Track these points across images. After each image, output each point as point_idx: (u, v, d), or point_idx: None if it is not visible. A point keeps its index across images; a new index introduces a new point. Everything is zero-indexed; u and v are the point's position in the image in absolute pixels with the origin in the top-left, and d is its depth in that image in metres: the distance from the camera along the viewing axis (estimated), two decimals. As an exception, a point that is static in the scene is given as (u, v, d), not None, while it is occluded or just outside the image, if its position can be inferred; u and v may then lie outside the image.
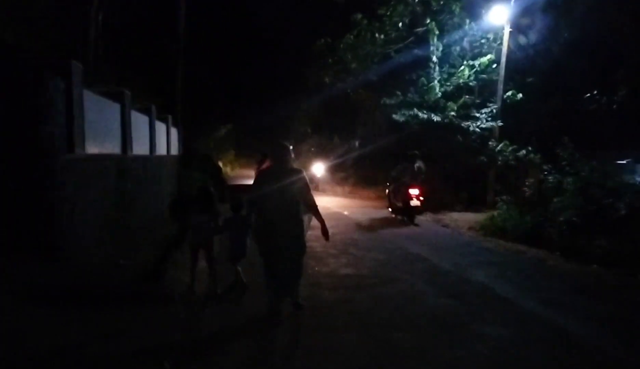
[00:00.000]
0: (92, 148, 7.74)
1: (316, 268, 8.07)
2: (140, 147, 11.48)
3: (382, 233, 12.13)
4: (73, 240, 6.57)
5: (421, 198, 13.97)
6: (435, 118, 17.10)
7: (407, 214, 14.04)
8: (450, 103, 17.13)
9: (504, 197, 13.20)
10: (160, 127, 14.87)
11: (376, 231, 12.41)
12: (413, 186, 13.81)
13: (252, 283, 6.42)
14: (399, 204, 14.24)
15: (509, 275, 7.78)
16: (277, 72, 26.39)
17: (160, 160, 14.13)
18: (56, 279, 6.10)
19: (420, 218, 15.19)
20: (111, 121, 9.08)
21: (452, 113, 17.10)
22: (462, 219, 14.73)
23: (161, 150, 14.72)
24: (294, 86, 24.60)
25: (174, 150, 17.77)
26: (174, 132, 17.59)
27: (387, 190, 15.66)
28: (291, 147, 5.88)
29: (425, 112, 17.32)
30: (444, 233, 12.31)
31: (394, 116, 18.07)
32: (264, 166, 9.43)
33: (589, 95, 16.35)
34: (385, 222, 14.05)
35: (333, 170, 27.15)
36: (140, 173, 11.01)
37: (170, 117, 16.47)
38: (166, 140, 15.94)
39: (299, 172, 5.59)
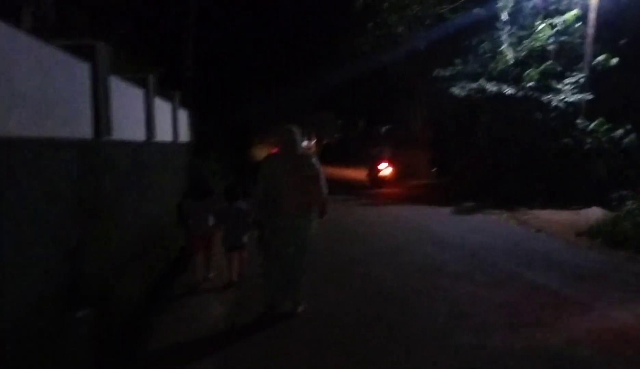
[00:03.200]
0: (24, 129, 4.52)
1: (402, 322, 4.81)
2: (129, 130, 8.27)
3: (467, 244, 8.74)
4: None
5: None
6: (509, 90, 13.57)
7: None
8: (530, 71, 13.55)
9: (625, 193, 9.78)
10: (163, 106, 11.64)
11: (459, 242, 8.99)
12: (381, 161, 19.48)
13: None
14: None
15: None
16: (305, 40, 22.70)
17: (163, 149, 10.92)
18: None
19: (497, 218, 11.88)
20: (71, 89, 5.84)
21: (531, 84, 13.55)
22: (553, 220, 11.32)
23: (164, 135, 11.51)
24: (324, 58, 21.13)
25: (183, 136, 14.57)
26: (182, 113, 14.35)
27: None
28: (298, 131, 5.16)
29: (495, 83, 13.81)
30: (550, 245, 8.81)
31: (452, 90, 14.56)
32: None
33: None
34: (465, 226, 10.67)
35: None
36: (128, 166, 7.79)
37: (177, 94, 13.21)
38: (172, 123, 12.72)
39: (308, 157, 5.14)
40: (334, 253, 7.97)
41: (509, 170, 14.66)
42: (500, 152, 14.64)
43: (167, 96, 12.15)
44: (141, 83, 9.34)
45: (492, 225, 10.83)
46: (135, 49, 11.05)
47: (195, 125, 16.76)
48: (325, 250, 7.82)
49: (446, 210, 12.78)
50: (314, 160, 5.07)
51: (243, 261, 6.36)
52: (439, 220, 11.56)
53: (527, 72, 13.57)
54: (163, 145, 10.98)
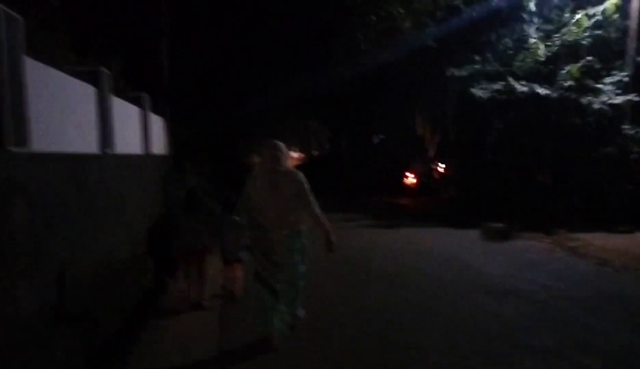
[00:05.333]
0: None
1: None
2: (70, 140, 6.03)
3: (527, 289, 6.58)
4: None
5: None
6: (543, 91, 11.51)
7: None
8: (570, 68, 11.51)
9: None
10: (128, 111, 9.42)
11: (515, 286, 6.80)
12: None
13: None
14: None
15: None
16: (298, 37, 20.33)
17: (127, 163, 8.66)
18: None
19: (539, 245, 9.78)
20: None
21: (569, 83, 11.50)
22: (609, 247, 9.25)
23: (130, 146, 9.25)
24: (318, 58, 18.93)
25: (158, 148, 12.30)
26: (155, 120, 12.11)
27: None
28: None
29: (525, 82, 11.75)
30: (637, 289, 6.71)
31: (473, 91, 12.48)
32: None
33: None
34: (508, 258, 8.49)
35: None
36: (62, 188, 5.51)
37: (147, 97, 10.96)
38: (141, 132, 10.48)
39: (294, 173, 4.73)
40: (348, 304, 5.81)
41: (540, 183, 12.58)
42: (529, 163, 12.56)
43: (133, 99, 9.93)
44: (91, 78, 7.10)
45: (540, 256, 8.68)
46: (84, 35, 8.72)
47: (174, 135, 14.49)
48: (335, 298, 5.68)
49: (474, 234, 10.64)
50: (300, 176, 4.69)
51: (236, 277, 6.12)
52: (472, 249, 9.38)
53: (567, 69, 11.52)
54: (127, 159, 8.72)
